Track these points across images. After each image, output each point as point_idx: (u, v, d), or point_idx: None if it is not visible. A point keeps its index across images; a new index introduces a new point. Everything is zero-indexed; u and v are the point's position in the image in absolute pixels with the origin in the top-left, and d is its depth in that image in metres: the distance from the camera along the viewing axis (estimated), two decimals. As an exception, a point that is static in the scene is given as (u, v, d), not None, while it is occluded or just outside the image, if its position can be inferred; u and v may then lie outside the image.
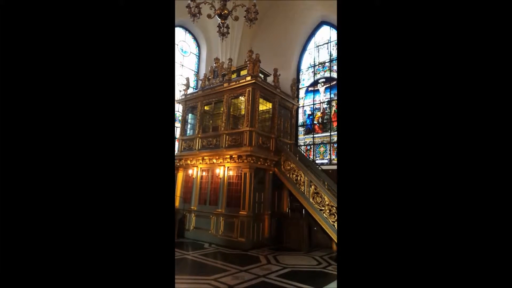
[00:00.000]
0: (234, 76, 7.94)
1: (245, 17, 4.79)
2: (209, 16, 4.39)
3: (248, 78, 7.08)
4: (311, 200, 6.49)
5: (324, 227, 6.20)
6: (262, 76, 7.90)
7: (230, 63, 7.91)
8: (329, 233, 6.07)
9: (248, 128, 6.84)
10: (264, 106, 7.81)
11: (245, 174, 6.66)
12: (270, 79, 8.17)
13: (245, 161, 6.69)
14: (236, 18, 4.45)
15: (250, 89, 7.03)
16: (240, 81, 7.27)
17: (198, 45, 11.13)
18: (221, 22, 4.45)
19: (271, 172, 7.29)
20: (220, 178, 7.14)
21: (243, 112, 7.43)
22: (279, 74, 8.22)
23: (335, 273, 4.68)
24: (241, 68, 8.07)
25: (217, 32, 4.54)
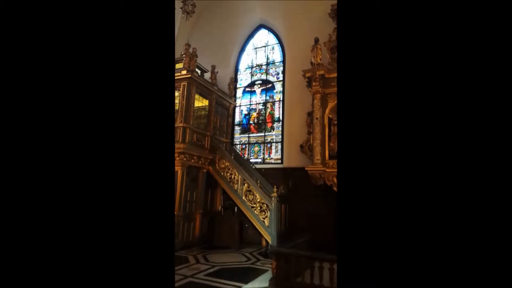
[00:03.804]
0: (169, 68, 7.52)
1: (181, 8, 4.59)
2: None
3: (184, 72, 6.81)
4: (243, 197, 6.61)
5: (254, 224, 6.40)
6: (199, 71, 7.70)
7: (165, 55, 7.47)
8: (259, 229, 6.29)
9: (181, 124, 6.58)
10: (200, 102, 7.63)
11: (176, 172, 6.39)
12: (207, 76, 8.02)
13: (177, 158, 6.42)
14: (171, 8, 4.22)
15: (186, 83, 6.78)
16: (175, 75, 6.94)
17: (130, 31, 10.20)
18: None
19: (205, 170, 7.17)
20: (149, 176, 6.68)
21: (177, 107, 7.12)
22: (217, 72, 8.14)
23: (263, 268, 4.88)
24: (177, 61, 7.70)
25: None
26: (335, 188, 5.91)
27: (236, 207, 6.85)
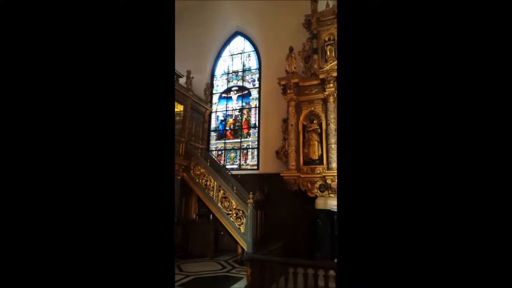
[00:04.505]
0: (142, 73, 7.33)
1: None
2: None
3: (158, 77, 6.66)
4: (219, 204, 6.53)
5: (230, 231, 6.33)
6: (174, 76, 7.58)
7: (138, 59, 7.27)
8: (235, 237, 6.24)
9: (155, 130, 6.40)
10: (175, 108, 7.49)
11: (149, 179, 6.18)
12: (182, 81, 7.91)
13: (150, 165, 6.22)
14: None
15: (160, 89, 6.62)
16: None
17: (101, 33, 9.83)
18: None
19: (179, 177, 7.00)
20: (119, 184, 6.40)
21: (150, 113, 6.93)
22: (193, 77, 8.07)
23: (238, 275, 4.83)
24: (151, 66, 7.53)
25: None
26: (309, 194, 6.03)
27: (211, 215, 6.75)
